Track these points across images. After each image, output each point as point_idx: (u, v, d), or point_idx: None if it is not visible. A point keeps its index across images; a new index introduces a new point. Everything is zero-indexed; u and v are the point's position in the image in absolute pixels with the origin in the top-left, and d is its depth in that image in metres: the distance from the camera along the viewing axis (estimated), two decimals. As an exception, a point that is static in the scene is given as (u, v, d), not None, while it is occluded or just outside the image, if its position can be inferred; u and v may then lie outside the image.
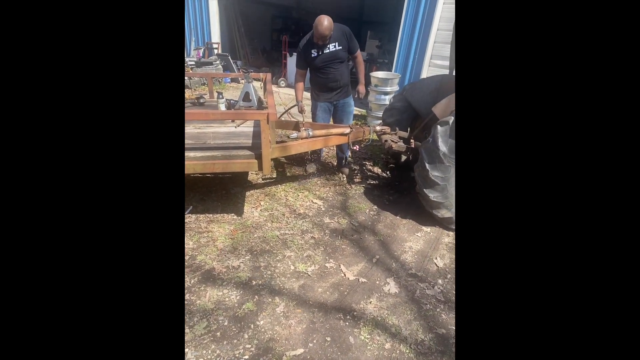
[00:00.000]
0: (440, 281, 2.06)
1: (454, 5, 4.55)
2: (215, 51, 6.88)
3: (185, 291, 1.84)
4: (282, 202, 2.79)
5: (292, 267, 2.09)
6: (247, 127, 2.60)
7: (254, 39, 8.96)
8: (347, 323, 1.73)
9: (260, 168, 2.07)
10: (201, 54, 6.72)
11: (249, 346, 1.57)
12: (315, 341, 1.62)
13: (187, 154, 2.06)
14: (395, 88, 4.64)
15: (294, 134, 2.54)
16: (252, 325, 1.67)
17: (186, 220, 2.44)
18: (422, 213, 2.63)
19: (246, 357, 1.52)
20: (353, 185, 3.16)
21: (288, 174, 3.31)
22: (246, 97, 2.98)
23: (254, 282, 1.94)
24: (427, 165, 2.39)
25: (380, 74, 4.78)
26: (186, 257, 2.09)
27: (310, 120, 3.16)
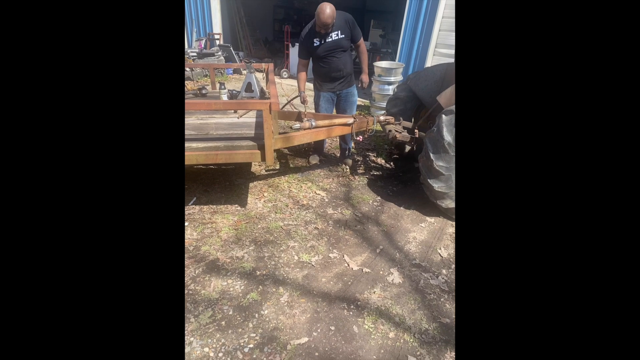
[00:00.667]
0: (444, 271, 2.05)
1: (459, -8, 4.44)
2: (217, 42, 6.82)
3: (190, 281, 1.86)
4: (285, 193, 2.79)
5: (296, 258, 2.09)
6: (250, 118, 2.58)
7: (256, 29, 8.85)
8: (351, 312, 1.73)
9: (264, 159, 2.06)
10: (203, 45, 6.66)
11: (254, 335, 1.58)
12: (319, 330, 1.63)
13: (190, 144, 2.05)
14: (399, 78, 4.58)
15: (297, 125, 2.52)
16: (256, 315, 1.69)
17: (190, 212, 2.45)
18: (426, 204, 2.62)
19: (251, 345, 1.53)
20: (356, 177, 3.15)
21: (291, 165, 3.30)
22: (248, 87, 2.96)
23: (258, 272, 1.95)
24: (431, 155, 2.36)
25: (383, 64, 4.71)
26: (190, 248, 2.10)
27: (313, 110, 3.13)
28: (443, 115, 2.31)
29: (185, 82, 5.02)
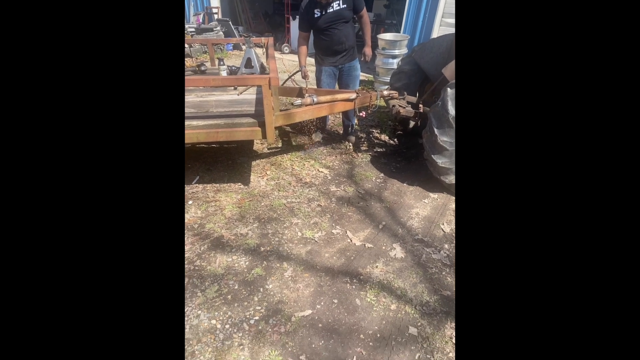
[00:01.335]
0: (446, 246, 2.07)
1: (469, -45, 4.17)
2: (215, 16, 6.59)
3: (196, 257, 1.90)
4: (288, 171, 2.78)
5: (299, 234, 2.12)
6: (250, 95, 2.53)
7: (255, 2, 8.51)
8: (354, 286, 1.77)
9: (264, 136, 2.04)
10: (201, 20, 6.44)
11: (259, 308, 1.63)
12: (322, 303, 1.67)
13: (190, 122, 2.03)
14: (404, 51, 4.42)
15: (298, 101, 2.47)
16: (261, 289, 1.73)
17: (193, 190, 2.46)
18: (430, 180, 2.60)
19: (256, 317, 1.58)
20: (360, 154, 3.12)
21: (293, 143, 3.27)
22: (248, 63, 2.88)
23: (262, 249, 1.99)
24: (435, 130, 2.32)
25: (388, 36, 4.53)
26: (195, 226, 2.13)
27: (315, 86, 3.06)
28: (448, 89, 2.24)
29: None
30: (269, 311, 1.62)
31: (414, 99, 3.01)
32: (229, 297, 1.68)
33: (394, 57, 4.42)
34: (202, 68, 2.99)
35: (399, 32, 5.21)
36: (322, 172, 2.81)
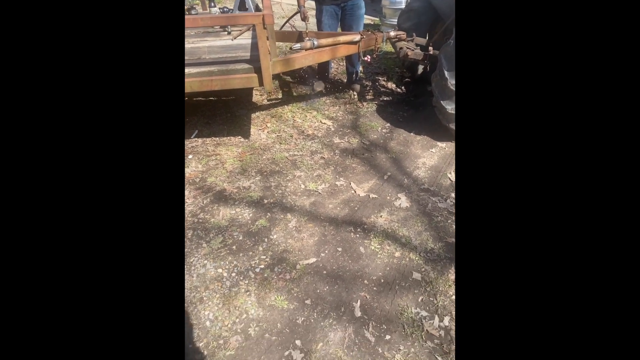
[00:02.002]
0: (453, 194, 2.02)
1: None
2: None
3: (199, 210, 1.90)
4: (289, 123, 2.68)
5: (303, 186, 2.08)
6: (245, 39, 2.35)
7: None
8: (358, 235, 1.77)
9: (261, 83, 1.91)
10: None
11: (264, 257, 1.65)
12: (327, 251, 1.68)
13: (182, 71, 1.90)
14: (414, -13, 4.00)
15: (297, 45, 2.28)
16: (265, 239, 1.74)
17: (193, 144, 2.40)
18: (438, 128, 2.48)
19: (262, 266, 1.61)
20: (365, 103, 2.96)
21: (294, 94, 3.11)
22: (242, 5, 2.63)
23: (265, 201, 1.97)
24: (445, 73, 2.15)
25: (396, -30, 4.08)
26: (196, 180, 2.10)
27: (315, 29, 2.82)
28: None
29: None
30: (274, 260, 1.64)
31: (423, 41, 2.77)
32: (234, 247, 1.70)
33: (403, -5, 4.02)
34: (192, 12, 2.75)
35: (409, -34, 4.68)
36: (325, 123, 2.70)
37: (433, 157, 2.34)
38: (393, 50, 2.98)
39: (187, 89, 1.88)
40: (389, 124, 2.70)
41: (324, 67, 3.10)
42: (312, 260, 1.63)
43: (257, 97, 3.03)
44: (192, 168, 2.20)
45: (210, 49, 2.24)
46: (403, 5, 3.94)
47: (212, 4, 2.55)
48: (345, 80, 3.23)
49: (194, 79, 1.86)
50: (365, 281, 1.54)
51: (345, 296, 1.48)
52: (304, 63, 2.31)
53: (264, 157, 2.31)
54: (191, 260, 1.62)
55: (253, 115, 2.74)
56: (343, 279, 1.55)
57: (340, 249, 1.69)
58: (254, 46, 2.25)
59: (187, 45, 2.29)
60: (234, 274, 1.57)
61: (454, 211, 1.91)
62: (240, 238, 1.75)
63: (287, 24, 2.92)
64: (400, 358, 1.26)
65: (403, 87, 3.25)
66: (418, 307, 1.43)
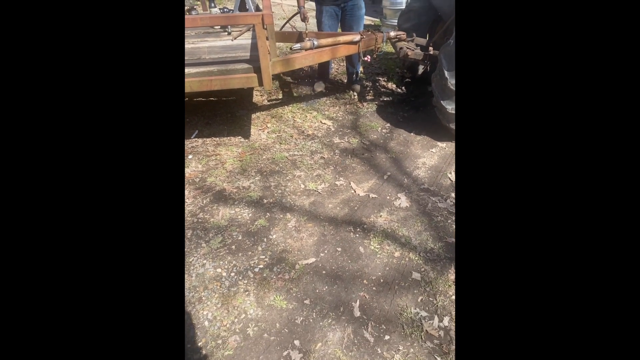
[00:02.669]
0: (453, 194, 2.01)
1: None
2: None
3: (199, 210, 1.90)
4: (289, 123, 2.68)
5: (302, 186, 2.08)
6: (245, 40, 2.35)
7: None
8: (357, 235, 1.76)
9: (261, 83, 1.91)
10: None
11: (263, 257, 1.65)
12: (326, 251, 1.67)
13: (182, 71, 1.90)
14: (414, -13, 4.00)
15: (297, 45, 2.28)
16: (265, 239, 1.74)
17: (193, 144, 2.40)
18: (439, 128, 2.47)
19: (261, 266, 1.60)
20: (365, 103, 2.96)
21: (295, 94, 3.11)
22: (242, 5, 2.64)
23: (265, 201, 1.97)
24: (446, 72, 2.14)
25: (396, -29, 4.09)
26: (196, 180, 2.10)
27: (316, 30, 2.82)
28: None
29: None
30: (273, 260, 1.63)
31: (423, 41, 2.77)
32: (233, 247, 1.69)
33: (403, -5, 4.02)
34: (193, 12, 2.76)
35: (409, -33, 4.68)
36: (325, 123, 2.70)
37: (433, 157, 2.34)
38: (393, 50, 2.98)
39: (187, 88, 1.89)
40: (389, 124, 2.69)
41: (324, 67, 3.10)
42: (312, 260, 1.63)
43: (258, 97, 3.03)
44: (192, 168, 2.20)
45: (210, 49, 2.24)
46: (403, 6, 3.94)
47: (213, 5, 2.56)
48: (346, 81, 3.23)
49: (194, 79, 1.86)
50: (365, 281, 1.53)
51: (344, 296, 1.47)
52: (304, 63, 2.31)
53: (264, 157, 2.31)
54: (190, 260, 1.62)
55: (253, 116, 2.75)
56: (342, 278, 1.55)
57: (339, 249, 1.68)
58: (254, 46, 2.25)
59: (187, 46, 2.29)
60: (233, 274, 1.57)
61: (454, 211, 1.90)
62: (240, 238, 1.74)
63: (288, 24, 2.93)
64: (399, 358, 1.25)
65: (403, 88, 3.25)
66: (417, 307, 1.43)
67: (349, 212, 1.90)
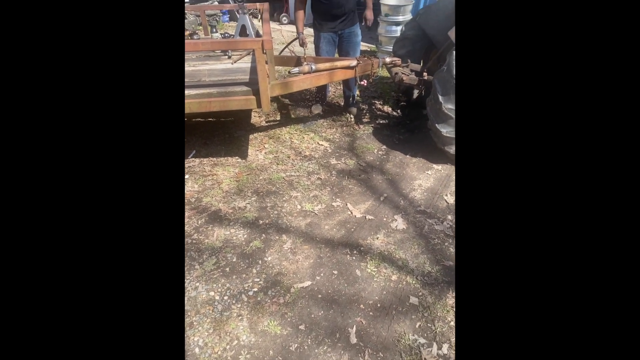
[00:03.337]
0: (449, 217, 2.01)
1: None
2: (210, -14, 6.26)
3: (193, 231, 1.87)
4: (287, 144, 2.70)
5: (299, 207, 2.07)
6: (245, 63, 2.41)
7: (252, -30, 8.08)
8: (354, 257, 1.74)
9: (260, 105, 1.95)
10: (195, -10, 6.14)
11: (258, 280, 1.61)
12: (322, 274, 1.64)
13: (182, 92, 1.94)
14: (408, 17, 4.18)
15: (296, 69, 2.35)
16: (260, 261, 1.70)
17: (190, 164, 2.41)
18: (434, 151, 2.51)
19: (255, 289, 1.56)
20: (361, 126, 3.01)
21: (292, 116, 3.16)
22: (243, 31, 2.72)
23: (260, 222, 1.95)
24: (440, 97, 2.20)
25: (391, 1, 4.28)
26: (192, 200, 2.09)
27: (314, 54, 2.91)
28: (454, 52, 2.10)
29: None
30: (268, 283, 1.59)
31: (418, 67, 2.86)
32: (227, 269, 1.66)
33: (398, 24, 4.19)
34: (195, 37, 2.84)
35: (403, -2, 4.91)
36: (322, 145, 2.73)
37: (429, 179, 2.35)
38: (389, 75, 3.07)
39: (187, 109, 1.91)
40: (385, 146, 2.73)
41: (321, 90, 3.18)
42: (307, 283, 1.59)
43: (256, 118, 3.08)
44: (188, 188, 2.19)
45: (210, 71, 2.29)
46: (398, 34, 4.10)
47: (214, 30, 2.65)
48: (343, 104, 3.29)
49: (193, 101, 1.90)
50: (362, 306, 1.50)
51: (340, 321, 1.43)
52: (302, 86, 2.37)
53: (261, 177, 2.31)
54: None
55: (251, 136, 2.77)
56: (338, 303, 1.51)
57: (335, 272, 1.66)
58: (254, 70, 2.30)
59: (188, 68, 2.35)
60: (226, 297, 1.52)
61: (451, 234, 1.89)
62: (234, 260, 1.71)
63: (287, 49, 3.02)
64: (397, 389, 1.20)
65: (399, 111, 3.32)
66: (416, 334, 1.39)
67: (346, 233, 1.88)
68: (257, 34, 2.79)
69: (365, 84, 3.40)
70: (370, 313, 1.47)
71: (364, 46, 4.67)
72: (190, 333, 1.37)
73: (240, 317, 1.44)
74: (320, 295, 1.54)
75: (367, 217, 2.00)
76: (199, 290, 1.55)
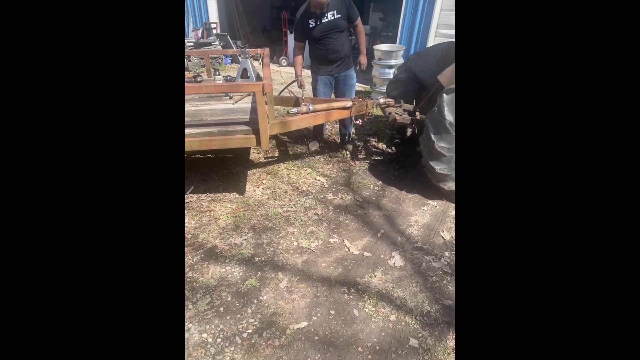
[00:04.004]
0: (447, 254, 2.01)
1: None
2: (214, 31, 6.70)
3: (188, 269, 1.84)
4: (284, 180, 2.75)
5: (295, 243, 2.06)
6: (245, 103, 2.52)
7: (253, 17, 8.68)
8: (352, 296, 1.70)
9: (259, 143, 2.01)
10: (199, 35, 6.55)
11: (253, 320, 1.56)
12: (319, 314, 1.60)
13: (184, 131, 2.01)
14: (400, 61, 4.46)
15: (294, 110, 2.46)
16: (255, 301, 1.66)
17: (187, 200, 2.42)
18: (429, 187, 2.55)
19: (250, 330, 1.51)
20: (357, 162, 3.09)
21: (290, 153, 3.24)
22: (244, 73, 2.88)
23: (256, 259, 1.93)
24: (432, 136, 2.29)
25: (384, 47, 4.59)
26: (188, 236, 2.08)
27: (311, 95, 3.06)
28: (444, 94, 2.23)
29: (183, 72, 4.94)
30: (263, 323, 1.55)
31: (410, 107, 3.00)
32: (222, 309, 1.61)
33: (390, 67, 4.46)
34: (198, 79, 2.99)
35: (395, 43, 5.28)
36: (319, 180, 2.77)
37: (425, 215, 2.37)
38: (383, 114, 3.21)
39: (187, 148, 1.97)
40: (380, 182, 2.78)
41: (318, 128, 3.29)
42: (304, 324, 1.55)
43: (255, 154, 3.15)
44: (185, 224, 2.18)
45: (212, 111, 2.39)
46: (391, 76, 4.35)
47: (217, 73, 2.80)
48: (339, 141, 3.40)
49: (194, 139, 1.96)
50: (360, 348, 1.45)
51: (338, 366, 1.37)
52: (300, 125, 2.46)
53: (258, 213, 2.32)
54: (175, 323, 1.53)
55: (249, 172, 2.82)
56: (336, 345, 1.46)
57: (333, 312, 1.61)
58: (254, 109, 2.41)
59: (190, 108, 2.45)
60: (219, 340, 1.47)
61: (449, 271, 1.88)
62: (229, 299, 1.67)
63: (286, 90, 3.18)
64: None
65: (393, 148, 3.42)
66: (416, 379, 1.33)
67: (343, 271, 1.86)
68: (258, 77, 2.95)
69: (360, 123, 3.53)
70: (369, 356, 1.41)
71: (359, 87, 4.91)
72: (180, 380, 1.30)
73: (234, 362, 1.38)
74: (317, 337, 1.49)
75: (364, 254, 1.98)
76: (191, 332, 1.50)
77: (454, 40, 3.02)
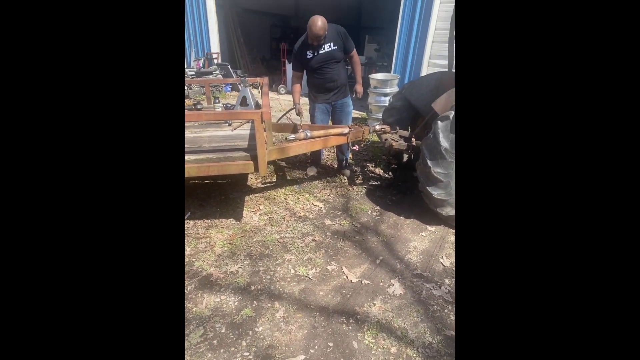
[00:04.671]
0: (447, 281, 1.97)
1: (451, 4, 4.52)
2: (215, 61, 6.94)
3: (182, 298, 1.78)
4: (282, 205, 2.73)
5: (292, 271, 2.01)
6: (244, 130, 2.57)
7: (253, 48, 9.04)
8: (350, 327, 1.64)
9: (257, 169, 2.02)
10: (201, 65, 6.77)
11: (247, 354, 1.49)
12: (316, 347, 1.53)
13: (182, 157, 2.02)
14: (395, 89, 4.60)
15: (292, 136, 2.50)
16: (250, 332, 1.60)
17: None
18: (426, 212, 2.55)
19: (244, 365, 1.44)
20: (354, 187, 3.10)
21: (288, 178, 3.26)
22: (243, 101, 2.96)
23: (252, 287, 1.88)
24: (428, 162, 2.32)
25: (379, 76, 4.75)
26: (183, 264, 2.03)
27: (309, 122, 3.12)
28: (439, 122, 2.28)
29: (183, 99, 5.05)
30: (258, 357, 1.48)
31: (406, 133, 3.06)
32: (215, 342, 1.55)
33: (386, 95, 4.60)
34: (198, 106, 3.06)
35: (390, 73, 5.47)
36: (316, 205, 2.76)
37: (424, 241, 2.35)
38: (379, 140, 3.26)
39: (186, 174, 1.97)
40: (378, 207, 2.77)
41: (316, 154, 3.33)
42: (301, 357, 1.48)
43: (252, 180, 3.16)
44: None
45: (211, 138, 2.42)
46: (386, 104, 4.47)
47: (217, 100, 2.87)
48: (336, 166, 3.43)
49: (193, 165, 1.97)
50: (360, 384, 1.37)
51: (337, 404, 1.30)
52: (298, 151, 2.49)
53: (254, 239, 2.29)
54: (165, 358, 1.45)
55: (247, 198, 2.81)
56: (334, 381, 1.39)
57: (331, 344, 1.55)
58: (252, 136, 2.45)
59: (190, 135, 2.48)
60: (211, 376, 1.39)
61: (450, 299, 1.83)
62: (223, 330, 1.60)
63: (284, 117, 3.25)
64: None
65: (390, 173, 3.45)
66: (420, 419, 1.25)
67: (341, 300, 1.81)
68: (257, 105, 3.02)
69: (357, 149, 3.59)
70: (370, 393, 1.34)
71: (355, 114, 5.03)
72: (168, 421, 1.22)
73: (226, 400, 1.30)
74: (314, 372, 1.42)
75: (363, 282, 1.94)
76: (182, 367, 1.42)
77: (447, 70, 3.15)
